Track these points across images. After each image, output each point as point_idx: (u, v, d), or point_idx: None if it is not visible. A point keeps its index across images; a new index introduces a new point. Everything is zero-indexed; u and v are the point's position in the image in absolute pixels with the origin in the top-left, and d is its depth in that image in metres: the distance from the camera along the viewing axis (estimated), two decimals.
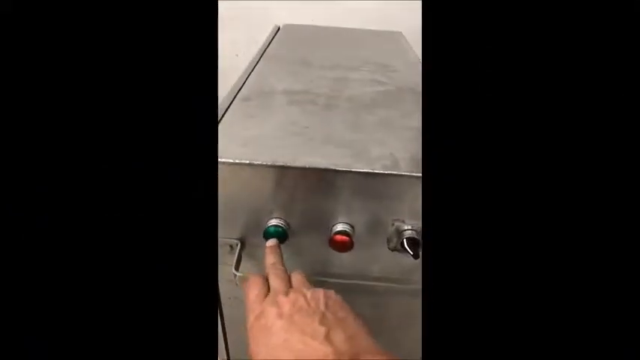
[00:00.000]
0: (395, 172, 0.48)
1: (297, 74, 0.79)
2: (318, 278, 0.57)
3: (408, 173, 0.48)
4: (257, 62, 0.88)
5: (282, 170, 0.48)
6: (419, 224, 0.52)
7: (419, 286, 0.56)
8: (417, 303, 0.62)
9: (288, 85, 0.73)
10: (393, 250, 0.54)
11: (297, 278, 0.46)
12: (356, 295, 0.61)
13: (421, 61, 0.93)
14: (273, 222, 0.51)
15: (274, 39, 1.11)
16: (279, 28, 1.23)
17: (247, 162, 0.48)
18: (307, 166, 0.47)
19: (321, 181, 0.49)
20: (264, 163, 0.48)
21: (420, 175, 0.48)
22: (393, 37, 1.09)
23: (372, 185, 0.49)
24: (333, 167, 0.47)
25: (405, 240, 0.51)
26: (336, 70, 0.82)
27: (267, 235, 0.51)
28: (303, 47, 1.02)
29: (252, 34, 1.39)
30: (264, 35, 1.15)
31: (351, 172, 0.47)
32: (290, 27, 1.25)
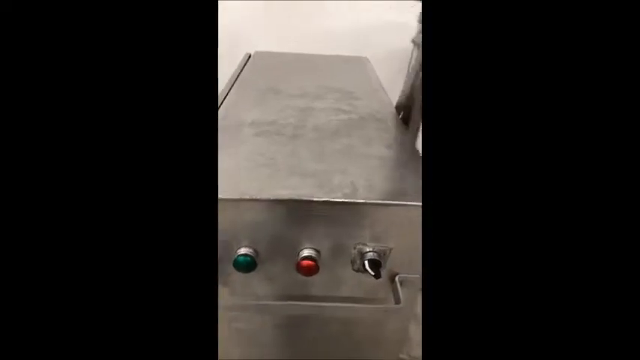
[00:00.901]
0: (354, 200, 0.53)
1: (266, 103, 0.84)
2: (289, 302, 0.61)
3: (365, 201, 0.53)
4: (228, 91, 0.92)
5: (249, 203, 0.52)
6: (379, 246, 0.57)
7: (384, 304, 0.60)
8: (384, 320, 0.67)
9: (257, 116, 0.77)
10: (357, 272, 0.58)
11: None
12: (326, 315, 0.65)
13: (382, 87, 0.99)
14: (242, 251, 0.55)
15: (245, 66, 1.16)
16: (250, 56, 1.29)
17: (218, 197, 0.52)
18: (272, 198, 0.52)
19: (286, 211, 0.53)
20: (232, 198, 0.52)
21: (377, 201, 0.53)
22: (359, 63, 1.16)
23: (333, 213, 0.53)
24: (297, 198, 0.52)
25: (366, 262, 0.56)
26: (304, 98, 0.88)
27: (236, 264, 0.55)
28: (273, 75, 1.07)
29: (223, 62, 1.44)
30: (236, 62, 1.20)
31: (313, 201, 0.52)
32: (261, 54, 1.30)
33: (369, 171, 0.60)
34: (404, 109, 0.86)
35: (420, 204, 0.54)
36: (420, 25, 0.82)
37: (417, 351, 1.41)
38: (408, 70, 0.85)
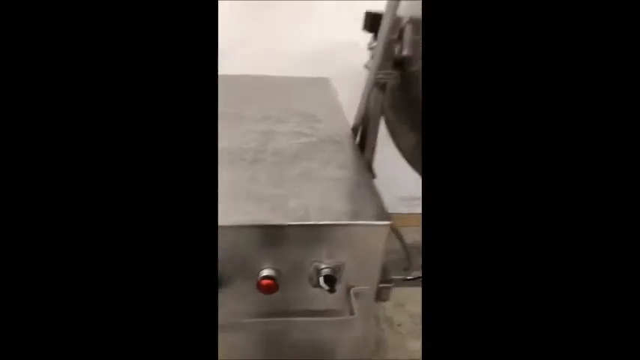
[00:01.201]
0: (304, 223, 0.58)
1: (229, 128, 0.89)
2: (254, 320, 0.65)
3: (316, 222, 0.58)
4: None
5: None
6: (333, 263, 0.62)
7: (342, 316, 0.65)
8: (344, 330, 0.72)
9: (221, 143, 0.82)
10: (314, 287, 0.64)
11: None
12: (290, 330, 0.70)
13: (341, 108, 1.05)
14: None
15: None
16: None
17: None
18: (229, 225, 0.57)
19: (243, 236, 0.58)
20: None
21: (328, 222, 0.59)
22: (321, 84, 1.22)
23: (288, 235, 0.58)
24: (251, 224, 0.57)
25: (321, 278, 0.61)
26: (266, 121, 0.93)
27: None
28: (236, 98, 1.11)
29: None
30: None
31: (267, 225, 0.57)
32: (224, 77, 1.35)
33: (323, 193, 0.65)
34: (361, 130, 0.92)
35: (370, 222, 0.60)
36: (371, 52, 0.88)
37: (392, 354, 1.46)
38: (365, 87, 0.91)
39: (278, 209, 0.60)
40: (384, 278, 0.66)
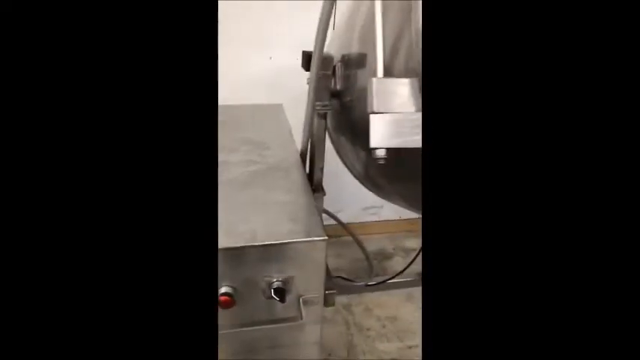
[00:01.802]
0: (254, 244, 0.68)
1: None
2: (223, 332, 0.74)
3: (263, 243, 0.69)
4: None
5: None
6: (283, 276, 0.72)
7: (294, 322, 0.76)
8: (298, 334, 0.81)
9: None
10: (268, 299, 0.74)
11: None
12: (253, 338, 0.80)
13: (291, 134, 1.17)
14: None
15: None
16: None
17: None
18: None
19: None
20: None
21: (272, 242, 0.69)
22: (273, 111, 1.33)
23: (239, 255, 0.69)
24: None
25: (273, 290, 0.71)
26: (221, 153, 1.03)
27: None
28: None
29: None
30: None
31: (221, 249, 0.67)
32: None
33: (269, 217, 0.76)
34: (309, 153, 1.04)
35: (309, 239, 0.71)
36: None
37: (362, 357, 1.57)
38: (305, 117, 1.02)
39: (230, 233, 0.70)
40: (329, 286, 0.77)
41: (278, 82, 1.62)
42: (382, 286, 1.67)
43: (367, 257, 1.51)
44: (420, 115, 0.48)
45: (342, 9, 1.15)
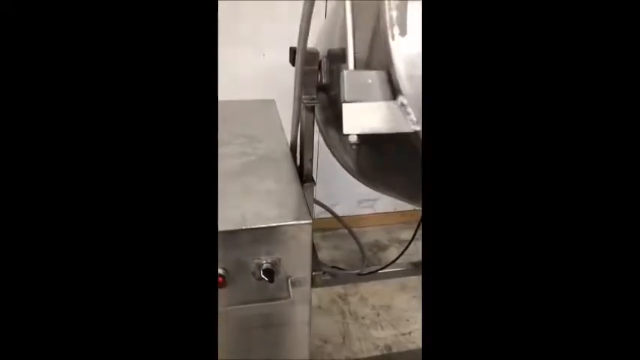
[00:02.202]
0: (243, 227, 0.74)
1: None
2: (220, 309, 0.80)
3: (251, 227, 0.74)
4: None
5: None
6: (271, 258, 0.78)
7: (284, 301, 0.81)
8: (287, 312, 0.87)
9: None
10: (258, 280, 0.79)
11: None
12: (245, 317, 0.85)
13: (282, 127, 1.22)
14: None
15: None
16: None
17: None
18: None
19: None
20: None
21: (261, 226, 0.75)
22: (265, 106, 1.39)
23: (229, 238, 0.74)
24: None
25: (262, 271, 0.77)
26: None
27: None
28: None
29: None
30: None
31: None
32: None
33: (258, 203, 0.81)
34: (299, 146, 1.09)
35: (296, 222, 0.76)
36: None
37: (357, 345, 1.63)
38: (293, 110, 1.08)
39: (222, 218, 0.75)
40: (316, 267, 0.82)
41: (271, 78, 1.67)
42: (376, 275, 1.73)
43: (360, 247, 1.56)
44: (388, 103, 0.54)
45: (332, 5, 1.20)
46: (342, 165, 1.20)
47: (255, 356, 0.89)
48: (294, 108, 1.00)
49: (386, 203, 2.19)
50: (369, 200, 2.19)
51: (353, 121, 0.54)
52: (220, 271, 0.76)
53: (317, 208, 1.92)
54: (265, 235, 0.76)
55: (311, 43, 0.98)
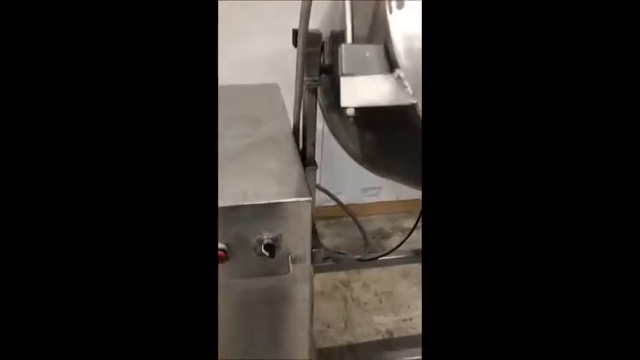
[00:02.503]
0: (244, 203, 0.76)
1: None
2: (224, 282, 0.82)
3: (252, 203, 0.76)
4: None
5: None
6: (272, 234, 0.80)
7: (284, 275, 0.83)
8: (287, 286, 0.89)
9: None
10: (259, 255, 0.81)
11: None
12: (246, 291, 0.88)
13: (285, 110, 1.24)
14: None
15: None
16: None
17: None
18: None
19: None
20: None
21: (262, 202, 0.77)
22: (269, 89, 1.41)
23: (231, 214, 0.76)
24: None
25: (263, 246, 0.79)
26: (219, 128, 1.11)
27: None
28: None
29: None
30: None
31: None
32: None
33: (258, 181, 0.84)
34: (301, 129, 1.11)
35: (295, 199, 0.78)
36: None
37: (359, 329, 1.65)
38: (295, 92, 1.09)
39: (223, 195, 0.78)
40: (316, 245, 0.84)
41: (277, 62, 1.69)
42: (378, 262, 1.75)
43: (363, 233, 1.58)
44: (385, 76, 0.55)
45: None
46: (347, 151, 1.21)
47: (257, 333, 0.92)
48: (296, 90, 1.01)
49: (390, 192, 2.21)
50: (373, 188, 2.20)
51: (350, 94, 0.55)
52: (222, 245, 0.79)
53: (321, 196, 1.95)
54: (266, 212, 0.78)
55: (316, 25, 0.99)
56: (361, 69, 0.55)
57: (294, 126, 1.12)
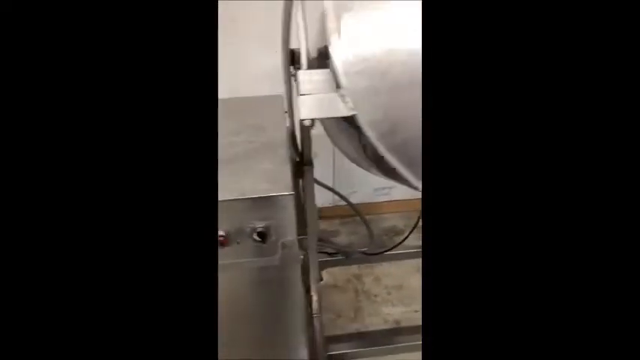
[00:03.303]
0: (241, 197, 0.97)
1: None
2: (225, 262, 1.03)
3: (248, 197, 0.97)
4: None
5: None
6: (264, 223, 1.00)
7: (276, 257, 1.03)
8: (278, 268, 1.08)
9: None
10: (254, 242, 1.02)
11: None
12: (245, 269, 1.08)
13: (285, 118, 1.43)
14: None
15: None
16: None
17: None
18: None
19: None
20: None
21: (256, 196, 0.97)
22: (273, 101, 1.61)
23: (231, 206, 0.97)
24: None
25: (256, 234, 0.99)
26: (227, 137, 1.32)
27: None
28: None
29: None
30: None
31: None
32: None
33: (255, 180, 1.04)
34: (299, 136, 1.31)
35: (281, 193, 0.98)
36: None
37: (368, 319, 1.82)
38: (286, 101, 1.29)
39: (223, 190, 0.99)
40: (301, 232, 1.04)
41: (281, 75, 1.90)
42: (387, 256, 1.91)
43: (367, 226, 1.76)
44: (332, 95, 0.74)
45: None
46: (346, 155, 1.39)
47: (254, 310, 1.12)
48: (286, 98, 1.22)
49: (401, 191, 2.36)
50: (385, 188, 2.36)
51: (307, 109, 0.75)
52: (222, 232, 0.99)
53: (336, 196, 2.13)
54: (259, 204, 0.98)
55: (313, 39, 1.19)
56: (314, 89, 0.74)
57: (290, 131, 1.32)
